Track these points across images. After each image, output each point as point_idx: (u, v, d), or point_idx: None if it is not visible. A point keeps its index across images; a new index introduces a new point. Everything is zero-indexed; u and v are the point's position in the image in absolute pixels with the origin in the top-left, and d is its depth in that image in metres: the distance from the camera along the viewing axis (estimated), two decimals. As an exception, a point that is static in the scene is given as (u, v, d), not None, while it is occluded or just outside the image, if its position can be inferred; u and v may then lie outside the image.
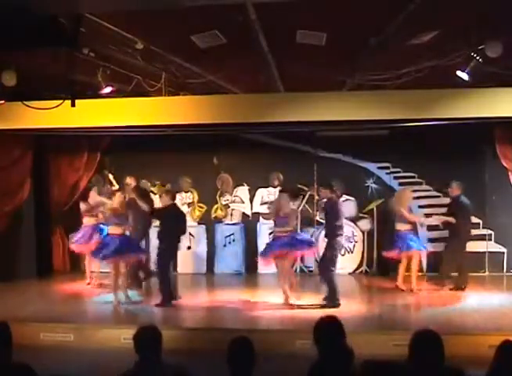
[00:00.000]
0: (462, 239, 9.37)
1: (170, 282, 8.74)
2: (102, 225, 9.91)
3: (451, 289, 9.36)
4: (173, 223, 8.72)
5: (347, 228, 10.37)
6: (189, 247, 11.32)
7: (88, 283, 10.18)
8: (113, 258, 8.75)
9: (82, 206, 10.24)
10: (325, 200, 8.68)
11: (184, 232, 9.01)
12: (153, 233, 9.80)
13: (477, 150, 10.73)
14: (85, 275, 10.34)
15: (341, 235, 8.48)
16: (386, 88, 8.25)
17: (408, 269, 9.49)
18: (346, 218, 9.60)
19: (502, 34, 6.47)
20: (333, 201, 8.53)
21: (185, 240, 10.26)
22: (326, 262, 8.49)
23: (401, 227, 9.42)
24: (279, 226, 8.71)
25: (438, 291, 9.45)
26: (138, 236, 9.64)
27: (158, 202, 10.77)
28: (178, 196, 9.86)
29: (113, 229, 8.89)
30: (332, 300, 8.34)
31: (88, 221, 10.21)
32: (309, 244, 8.92)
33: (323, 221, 9.10)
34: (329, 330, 3.61)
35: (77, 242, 10.22)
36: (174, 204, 9.02)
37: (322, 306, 8.22)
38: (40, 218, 11.21)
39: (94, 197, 10.12)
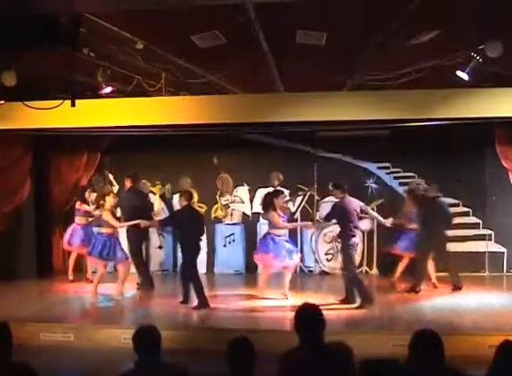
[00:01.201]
0: (439, 239, 9.22)
1: (200, 283, 8.62)
2: (94, 227, 9.98)
3: (453, 289, 9.33)
4: (192, 224, 8.58)
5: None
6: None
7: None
8: (102, 259, 8.92)
9: (79, 206, 10.37)
10: (337, 200, 8.58)
11: (203, 231, 8.92)
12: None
13: (477, 150, 10.73)
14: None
15: (356, 234, 8.47)
16: (386, 88, 8.23)
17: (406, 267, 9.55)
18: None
19: (503, 34, 6.47)
20: (345, 201, 8.47)
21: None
22: (343, 264, 8.62)
23: (412, 226, 9.47)
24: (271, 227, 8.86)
25: (438, 291, 9.47)
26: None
27: (159, 203, 10.82)
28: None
29: (104, 229, 8.98)
30: (348, 299, 8.46)
31: (79, 220, 10.36)
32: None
33: (334, 222, 8.99)
34: (308, 317, 3.59)
35: (71, 242, 10.35)
36: (190, 205, 8.83)
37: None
38: (40, 218, 11.20)
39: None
